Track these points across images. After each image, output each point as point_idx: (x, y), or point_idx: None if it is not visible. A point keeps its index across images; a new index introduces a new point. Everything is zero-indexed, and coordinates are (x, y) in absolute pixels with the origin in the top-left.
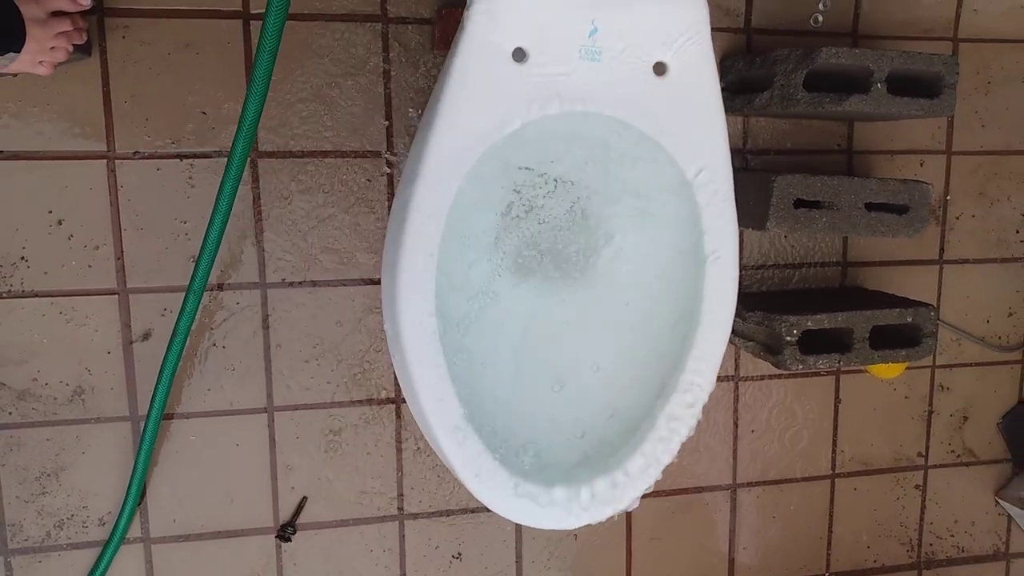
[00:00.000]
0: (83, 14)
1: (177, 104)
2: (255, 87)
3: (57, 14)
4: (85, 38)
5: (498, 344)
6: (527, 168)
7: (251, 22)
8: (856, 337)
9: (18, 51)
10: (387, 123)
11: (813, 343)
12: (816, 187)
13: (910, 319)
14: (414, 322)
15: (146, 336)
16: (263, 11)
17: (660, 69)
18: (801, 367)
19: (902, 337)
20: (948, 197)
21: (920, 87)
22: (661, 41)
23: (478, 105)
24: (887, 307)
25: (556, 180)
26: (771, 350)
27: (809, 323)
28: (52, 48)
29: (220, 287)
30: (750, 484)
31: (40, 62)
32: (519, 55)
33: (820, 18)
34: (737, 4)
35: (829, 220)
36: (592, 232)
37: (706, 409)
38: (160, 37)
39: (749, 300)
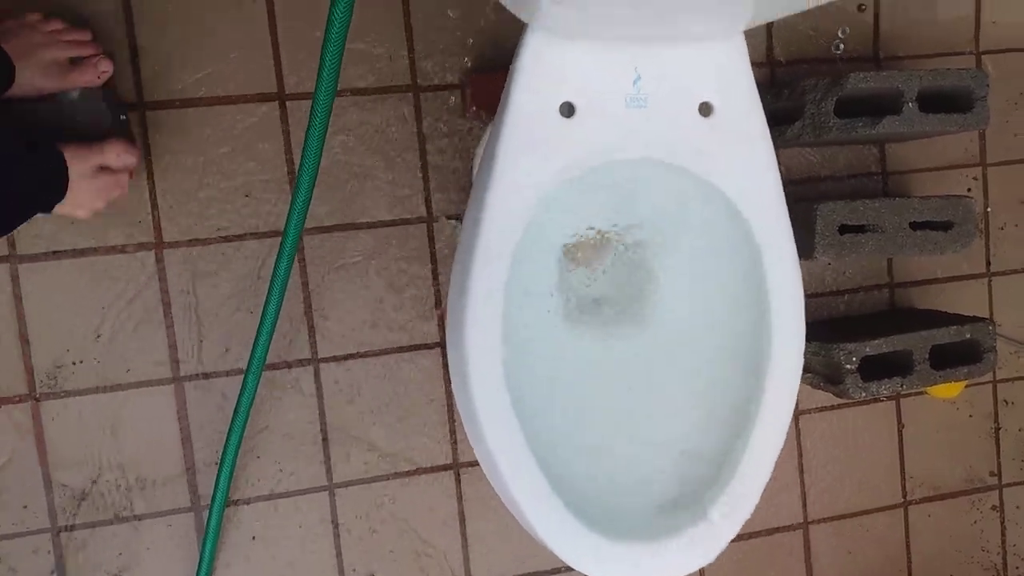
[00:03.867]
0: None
1: (221, 188)
2: (306, 168)
3: (104, 168)
4: (126, 190)
5: (560, 394)
6: (582, 218)
7: (286, 103)
8: (916, 359)
9: (60, 201)
10: (424, 189)
11: (872, 369)
12: (859, 212)
13: (968, 335)
14: (488, 398)
15: (202, 425)
16: (302, 91)
17: (706, 110)
18: (864, 394)
19: (961, 354)
20: (988, 209)
21: (951, 102)
22: (704, 81)
23: (531, 161)
24: (942, 326)
25: (612, 227)
26: (831, 380)
27: (868, 349)
28: (92, 199)
29: (275, 366)
30: (822, 520)
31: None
32: (567, 109)
33: (841, 45)
34: (757, 38)
35: (876, 243)
36: (650, 276)
37: None
38: (200, 125)
39: None
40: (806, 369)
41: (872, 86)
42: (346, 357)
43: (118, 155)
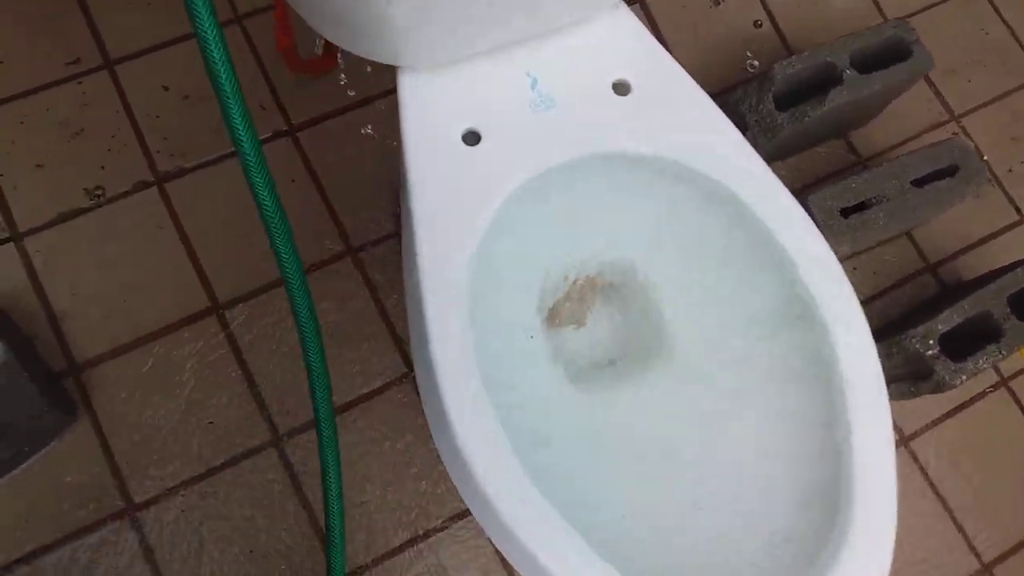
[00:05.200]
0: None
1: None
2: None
3: None
4: None
5: (580, 469)
6: (547, 268)
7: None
8: (998, 316)
9: None
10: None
11: (957, 348)
12: (852, 189)
13: None
14: (506, 490)
15: None
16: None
17: (623, 88)
18: (964, 376)
19: None
20: (985, 157)
21: (888, 58)
22: (605, 61)
23: (448, 208)
24: (1002, 275)
25: (584, 266)
26: (919, 376)
27: (940, 325)
28: None
29: None
30: (1002, 557)
31: None
32: (472, 138)
33: (755, 62)
34: None
35: (887, 212)
36: (644, 298)
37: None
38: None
39: None
40: (886, 378)
41: (801, 69)
42: None
43: None
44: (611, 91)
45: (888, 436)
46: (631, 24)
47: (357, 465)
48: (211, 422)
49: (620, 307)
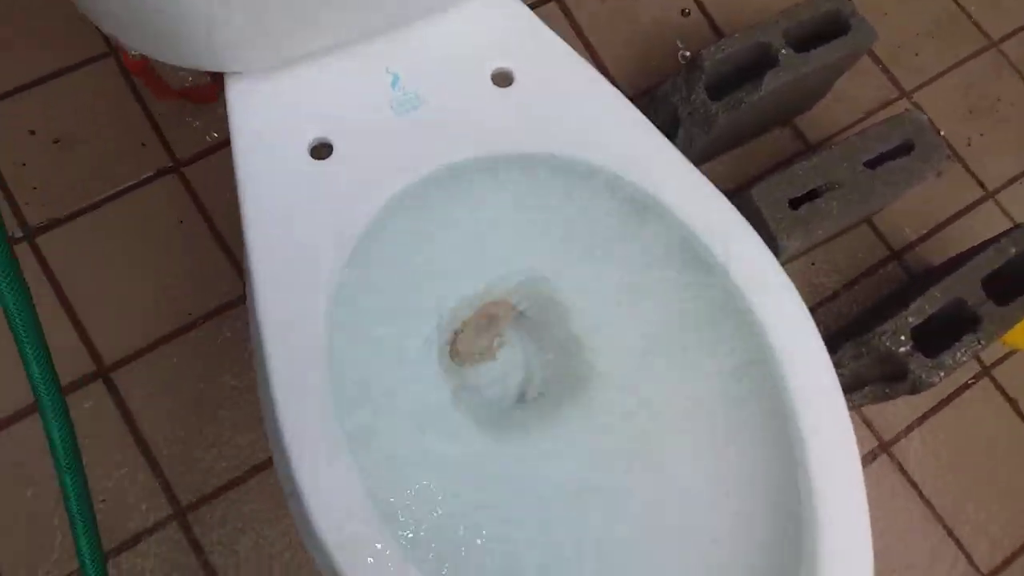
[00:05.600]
0: None
1: None
2: None
3: None
4: None
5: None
6: (422, 287)
7: None
8: (973, 302)
9: None
10: None
11: (932, 342)
12: (799, 176)
13: (1013, 250)
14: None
15: None
16: None
17: (503, 78)
18: (941, 373)
19: (1020, 281)
20: (941, 132)
21: (826, 34)
22: (478, 49)
23: (294, 245)
24: (973, 257)
25: (483, 291)
26: (893, 376)
27: (911, 319)
28: None
29: None
30: (1011, 558)
31: None
32: (322, 151)
33: (687, 53)
34: None
35: (841, 198)
36: (570, 337)
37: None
38: None
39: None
40: (857, 386)
41: (732, 52)
42: None
43: None
44: (490, 83)
45: (849, 447)
46: (510, 4)
47: None
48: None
49: (532, 334)
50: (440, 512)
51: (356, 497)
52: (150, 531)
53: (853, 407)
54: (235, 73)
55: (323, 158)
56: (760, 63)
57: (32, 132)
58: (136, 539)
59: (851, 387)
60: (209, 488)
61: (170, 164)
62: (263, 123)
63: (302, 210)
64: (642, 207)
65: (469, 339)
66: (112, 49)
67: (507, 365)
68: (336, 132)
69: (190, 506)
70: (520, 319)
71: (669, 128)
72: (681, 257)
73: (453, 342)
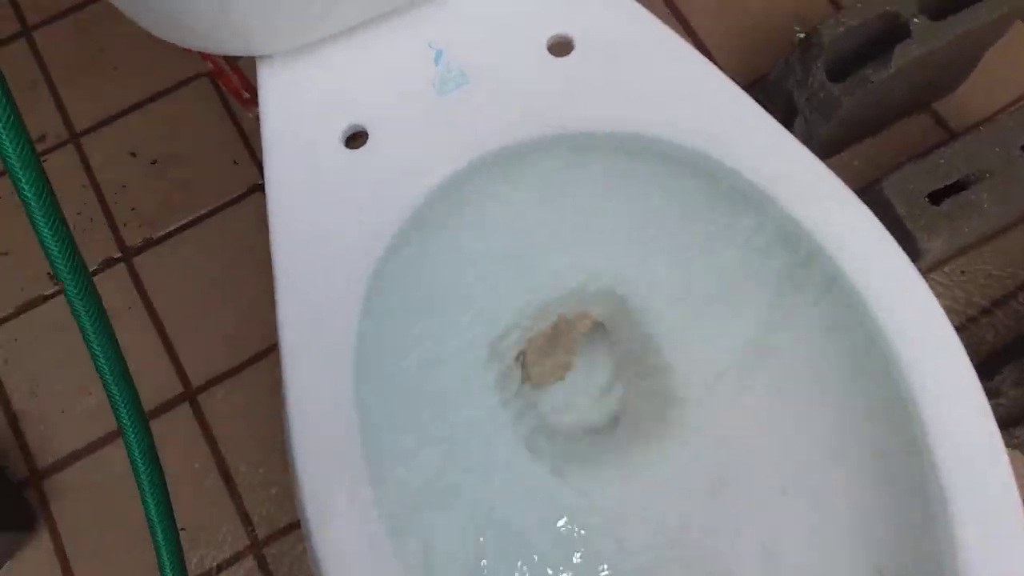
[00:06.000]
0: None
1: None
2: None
3: None
4: None
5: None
6: (475, 296)
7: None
8: None
9: None
10: None
11: None
12: (940, 165)
13: None
14: None
15: None
16: None
17: (562, 47)
18: None
19: None
20: None
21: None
22: (531, 15)
23: (324, 251)
24: None
25: (535, 284)
26: None
27: None
28: None
29: None
30: None
31: None
32: (356, 139)
33: (803, 34)
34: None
35: (993, 190)
36: (646, 335)
37: None
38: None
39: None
40: (1020, 413)
41: (855, 25)
42: None
43: None
44: (546, 52)
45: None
46: None
47: None
48: (183, 528)
49: (610, 349)
50: None
51: None
52: (229, 562)
53: (1016, 445)
54: (266, 57)
55: (358, 147)
56: (889, 36)
57: (133, 154)
58: (218, 569)
59: (1012, 420)
60: (283, 523)
61: (260, 182)
62: (293, 110)
63: (333, 207)
64: (746, 200)
65: (539, 358)
66: (208, 73)
67: (580, 386)
68: (372, 118)
69: (267, 539)
70: (596, 331)
71: (784, 119)
72: (791, 257)
73: (523, 363)
